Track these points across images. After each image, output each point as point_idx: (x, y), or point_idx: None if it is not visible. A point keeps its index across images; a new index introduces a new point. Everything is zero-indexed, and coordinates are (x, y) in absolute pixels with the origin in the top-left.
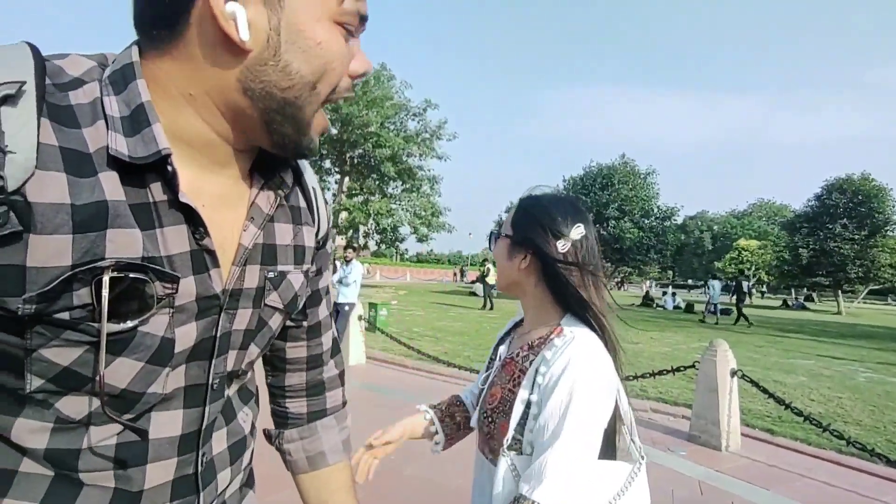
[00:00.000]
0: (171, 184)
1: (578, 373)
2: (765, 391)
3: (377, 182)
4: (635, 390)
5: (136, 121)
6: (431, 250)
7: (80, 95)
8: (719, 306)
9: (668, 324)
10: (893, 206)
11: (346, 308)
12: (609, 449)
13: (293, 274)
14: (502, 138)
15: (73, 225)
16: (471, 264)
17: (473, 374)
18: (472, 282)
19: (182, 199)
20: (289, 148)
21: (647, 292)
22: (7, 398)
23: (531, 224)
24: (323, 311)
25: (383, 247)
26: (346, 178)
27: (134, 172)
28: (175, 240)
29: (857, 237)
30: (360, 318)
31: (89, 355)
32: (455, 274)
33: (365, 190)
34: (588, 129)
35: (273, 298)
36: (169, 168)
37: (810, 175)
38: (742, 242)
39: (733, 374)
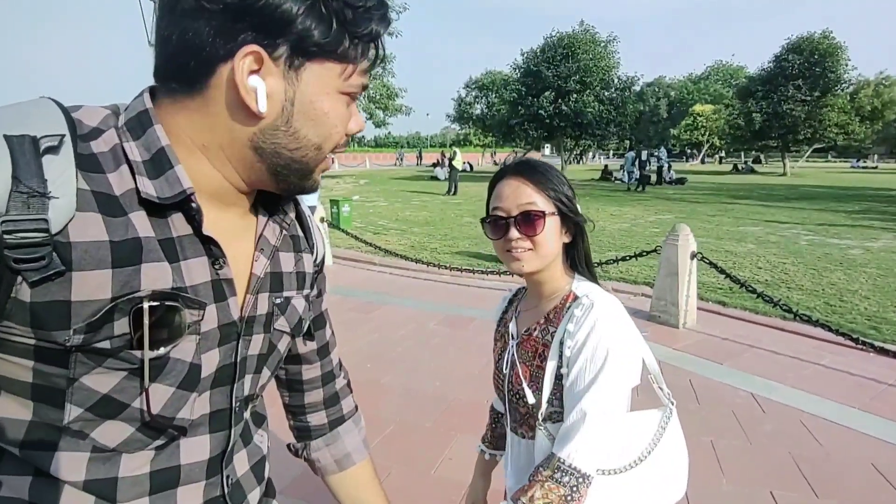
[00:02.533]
0: (193, 219)
1: (605, 338)
2: (721, 271)
3: None
4: (598, 271)
5: (159, 163)
6: (389, 132)
7: (100, 145)
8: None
9: (627, 198)
10: (846, 65)
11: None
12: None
13: (296, 299)
14: (454, 8)
15: (113, 260)
16: (430, 146)
17: (443, 269)
18: (432, 165)
19: (206, 232)
20: (294, 191)
21: (606, 167)
22: (45, 432)
23: (566, 194)
24: (328, 331)
25: None
26: None
27: (159, 211)
28: (198, 271)
29: (808, 98)
30: (322, 220)
31: (127, 382)
32: (397, 158)
33: None
34: None
35: (281, 323)
36: (193, 205)
37: (770, 34)
38: (697, 108)
39: (693, 256)
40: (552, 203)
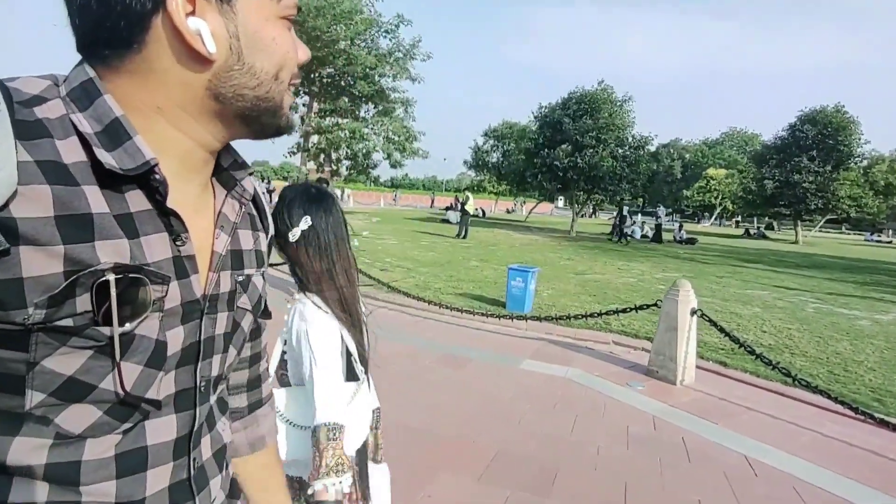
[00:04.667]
0: (155, 192)
1: (309, 333)
2: (722, 330)
3: (349, 104)
4: (599, 324)
5: (114, 135)
6: (406, 175)
7: (46, 111)
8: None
9: (635, 254)
10: (859, 140)
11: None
12: (350, 373)
13: (256, 276)
14: (480, 60)
15: (63, 236)
16: (445, 190)
17: (444, 309)
18: (445, 209)
19: (169, 205)
20: (269, 132)
21: (621, 221)
22: (4, 419)
23: (279, 222)
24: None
25: (354, 173)
26: (316, 100)
27: (114, 184)
28: (158, 247)
29: (821, 170)
30: None
31: (93, 362)
32: (393, 198)
33: (336, 112)
34: (568, 52)
35: (243, 301)
36: (157, 176)
37: (784, 104)
38: (711, 171)
39: (693, 313)
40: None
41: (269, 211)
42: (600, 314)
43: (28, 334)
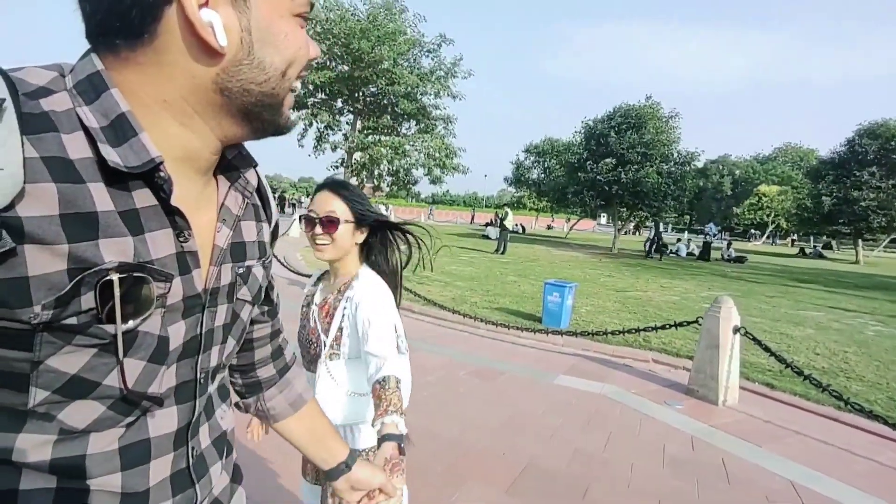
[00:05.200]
0: (160, 189)
1: (373, 302)
2: (767, 350)
3: (391, 121)
4: (639, 341)
5: (120, 131)
6: (447, 191)
7: (52, 103)
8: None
9: (680, 271)
10: None
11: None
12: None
13: (257, 267)
14: (520, 76)
15: (67, 235)
16: (486, 206)
17: (479, 323)
18: (486, 224)
19: (174, 203)
20: (268, 131)
21: (658, 237)
22: (6, 416)
23: (362, 207)
24: (275, 292)
25: (395, 189)
26: (359, 118)
27: (120, 181)
28: (162, 243)
29: (883, 186)
30: None
31: (97, 359)
32: (428, 215)
33: (379, 129)
34: (611, 68)
35: (243, 292)
36: (162, 174)
37: (842, 117)
38: (763, 188)
39: (736, 331)
40: (350, 213)
41: (273, 202)
42: (638, 330)
43: (33, 333)
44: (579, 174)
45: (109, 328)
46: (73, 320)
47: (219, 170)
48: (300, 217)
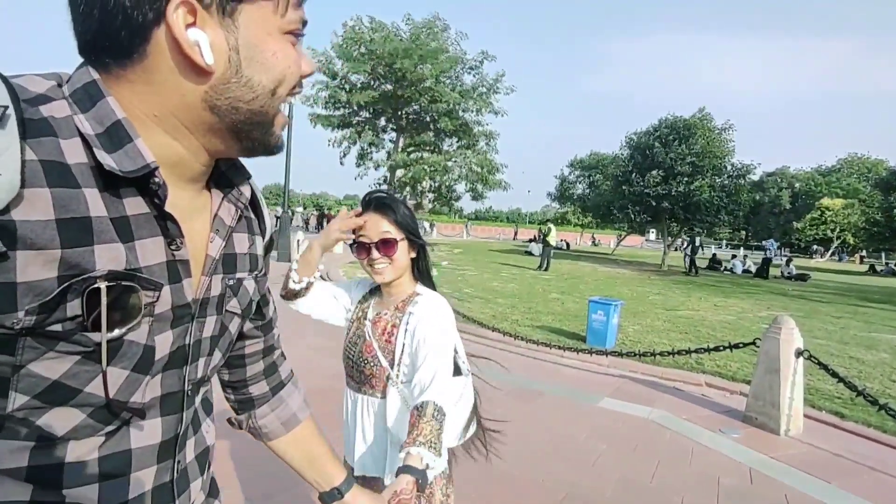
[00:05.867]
0: (153, 196)
1: (437, 323)
2: (835, 375)
3: (433, 138)
4: (690, 363)
5: (115, 137)
6: (490, 207)
7: (52, 109)
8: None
9: (735, 289)
10: None
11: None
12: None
13: (248, 280)
14: (563, 91)
15: (61, 241)
16: (529, 222)
17: (520, 341)
18: (530, 240)
19: (168, 209)
20: (258, 150)
21: (714, 255)
22: None
23: (413, 223)
24: (272, 308)
25: (438, 205)
26: (401, 136)
27: (113, 187)
28: (153, 251)
29: None
30: None
31: (80, 367)
32: (465, 228)
33: (421, 146)
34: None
35: (233, 304)
36: (157, 180)
37: None
38: (825, 202)
39: (798, 354)
40: (401, 231)
41: (268, 215)
42: (689, 351)
43: (16, 338)
44: (624, 188)
45: (95, 336)
46: (57, 327)
47: (212, 180)
48: (351, 244)
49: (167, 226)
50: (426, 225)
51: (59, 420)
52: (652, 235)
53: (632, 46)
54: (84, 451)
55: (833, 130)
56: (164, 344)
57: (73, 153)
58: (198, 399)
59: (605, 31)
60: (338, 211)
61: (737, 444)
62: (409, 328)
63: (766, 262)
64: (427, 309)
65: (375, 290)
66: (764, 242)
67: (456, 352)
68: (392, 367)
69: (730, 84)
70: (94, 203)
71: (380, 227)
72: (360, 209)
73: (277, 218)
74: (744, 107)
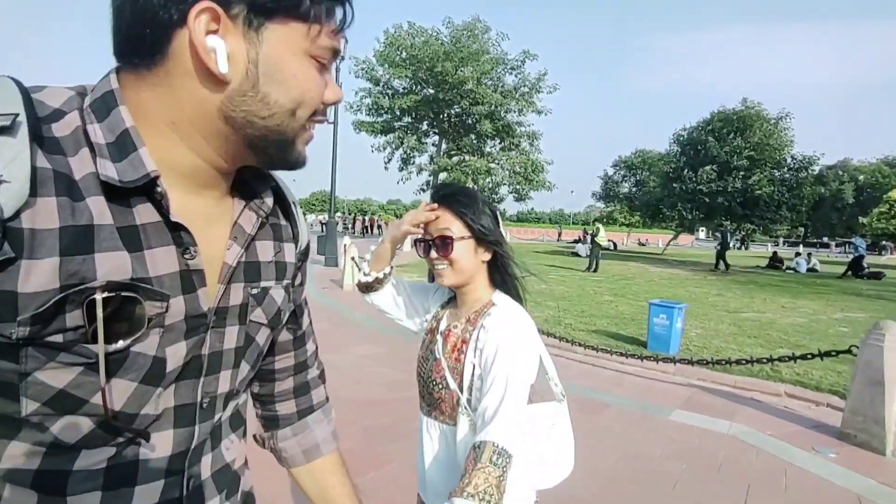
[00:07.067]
0: (159, 205)
1: (512, 340)
2: None
3: (475, 141)
4: (765, 371)
5: (122, 146)
6: (532, 209)
7: (62, 127)
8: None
9: (803, 289)
10: None
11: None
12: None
13: (275, 289)
14: (606, 87)
15: (60, 248)
16: (572, 223)
17: (577, 346)
18: (575, 241)
19: (174, 218)
20: (277, 165)
21: (775, 253)
22: (4, 423)
23: (489, 221)
24: (306, 321)
25: None
26: (444, 139)
27: (121, 196)
28: (164, 260)
29: None
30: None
31: (84, 378)
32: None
33: (463, 149)
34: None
35: (257, 314)
36: (158, 189)
37: None
38: (895, 194)
39: None
40: (466, 229)
41: (303, 223)
42: (770, 360)
43: (18, 347)
44: (675, 185)
45: (95, 348)
46: (57, 337)
47: (236, 188)
48: (414, 241)
49: (179, 234)
50: None
51: (70, 428)
52: (702, 234)
53: (676, 41)
54: (93, 460)
55: None
56: (176, 355)
57: (80, 166)
58: (223, 414)
59: (648, 25)
60: (382, 216)
61: (835, 464)
62: (478, 345)
63: (858, 261)
64: (500, 323)
65: (453, 298)
66: (853, 240)
67: (546, 373)
68: (461, 392)
69: (777, 75)
70: (100, 212)
71: (440, 222)
72: (432, 202)
73: (324, 224)
74: (799, 98)
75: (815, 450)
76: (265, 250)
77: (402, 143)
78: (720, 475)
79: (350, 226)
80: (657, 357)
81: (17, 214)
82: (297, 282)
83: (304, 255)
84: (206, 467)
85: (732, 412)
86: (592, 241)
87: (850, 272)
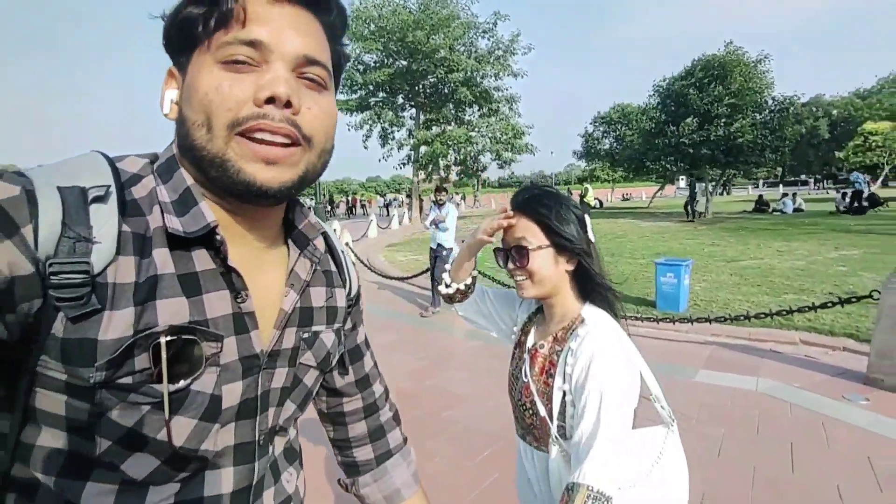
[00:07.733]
0: (218, 252)
1: (604, 360)
2: None
3: (453, 110)
4: (778, 320)
5: (185, 202)
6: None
7: (139, 189)
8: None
9: (794, 231)
10: None
11: (445, 252)
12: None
13: (325, 333)
14: (583, 42)
15: (135, 300)
16: (554, 184)
17: None
18: None
19: (231, 263)
20: (235, 189)
21: (760, 196)
22: (77, 463)
23: (573, 227)
24: (368, 363)
25: (464, 177)
26: (421, 111)
27: (182, 246)
28: (218, 304)
29: None
30: (346, 244)
31: (150, 416)
32: (475, 198)
33: (441, 120)
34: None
35: (307, 357)
36: (217, 237)
37: None
38: (869, 126)
39: None
40: (545, 237)
41: (349, 267)
42: (790, 311)
43: (93, 390)
44: (657, 140)
45: (160, 388)
46: (127, 379)
47: (290, 236)
48: (494, 251)
49: (232, 279)
50: (457, 198)
51: (139, 465)
52: (682, 182)
53: None
54: (162, 496)
55: (868, 49)
56: (232, 394)
57: (153, 223)
58: (275, 448)
59: None
60: (363, 195)
61: (869, 412)
62: (566, 370)
63: (858, 196)
64: (591, 345)
65: (540, 310)
66: (850, 176)
67: (650, 393)
68: (551, 420)
69: (754, 17)
70: (163, 261)
71: (517, 230)
72: (508, 207)
73: (310, 208)
74: (770, 35)
75: (845, 398)
76: (318, 296)
77: (378, 118)
78: (760, 436)
79: (330, 209)
80: (672, 318)
81: (103, 270)
82: (349, 326)
83: (356, 299)
84: (269, 501)
85: (756, 367)
86: (581, 202)
87: (855, 204)
